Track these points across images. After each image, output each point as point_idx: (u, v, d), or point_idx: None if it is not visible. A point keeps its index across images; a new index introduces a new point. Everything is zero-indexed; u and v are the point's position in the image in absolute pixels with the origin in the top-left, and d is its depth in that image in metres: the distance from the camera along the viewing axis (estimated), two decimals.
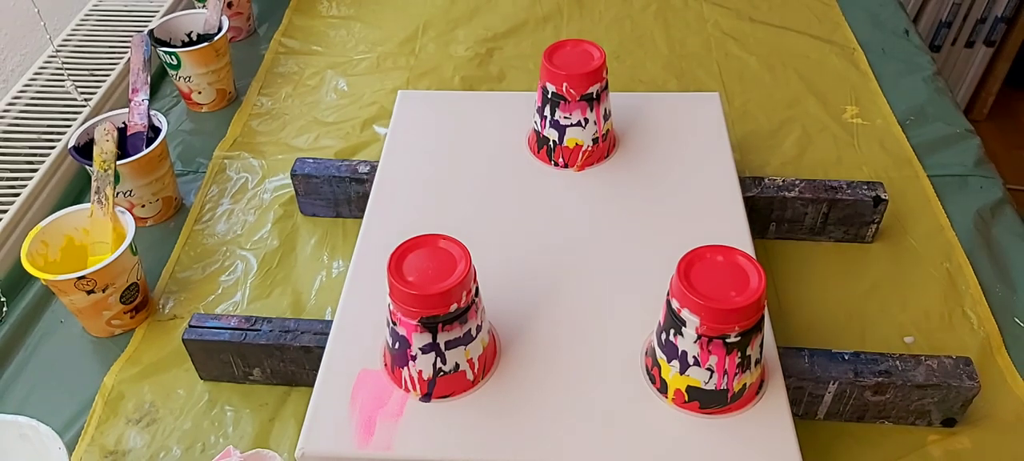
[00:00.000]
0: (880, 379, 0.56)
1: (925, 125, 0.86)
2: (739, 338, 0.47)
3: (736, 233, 0.62)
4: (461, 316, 0.49)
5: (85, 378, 0.65)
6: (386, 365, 0.53)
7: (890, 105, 0.89)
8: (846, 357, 0.57)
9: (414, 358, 0.50)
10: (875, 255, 0.72)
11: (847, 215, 0.71)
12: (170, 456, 0.59)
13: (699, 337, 0.47)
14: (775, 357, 0.53)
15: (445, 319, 0.48)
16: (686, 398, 0.50)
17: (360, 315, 0.57)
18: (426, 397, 0.51)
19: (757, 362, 0.49)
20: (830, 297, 0.68)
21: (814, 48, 0.99)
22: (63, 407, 0.63)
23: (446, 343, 0.49)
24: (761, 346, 0.49)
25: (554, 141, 0.67)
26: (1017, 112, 1.96)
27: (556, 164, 0.68)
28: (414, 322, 0.48)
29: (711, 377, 0.48)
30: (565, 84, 0.64)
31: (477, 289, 0.50)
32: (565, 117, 0.65)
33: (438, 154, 0.70)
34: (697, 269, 0.48)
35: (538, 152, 0.69)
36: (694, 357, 0.48)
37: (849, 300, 0.68)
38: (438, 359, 0.49)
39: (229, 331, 0.61)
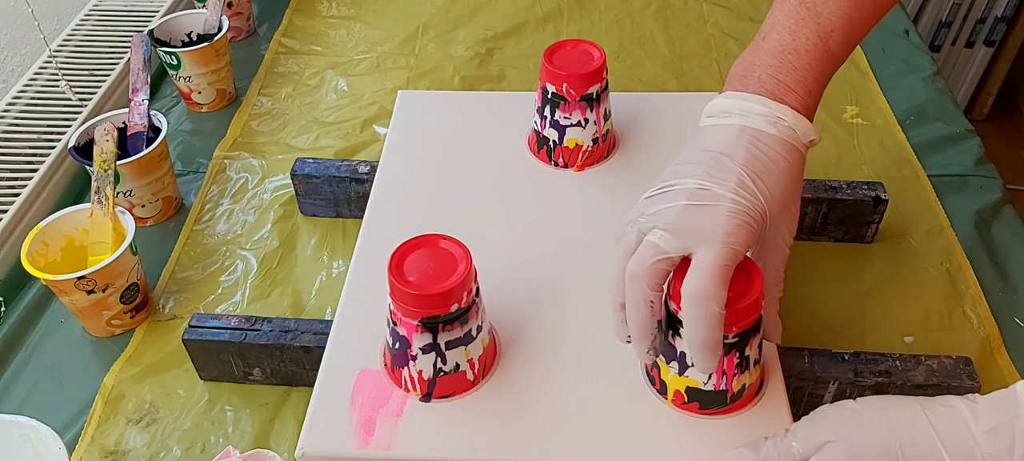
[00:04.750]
0: (880, 379, 0.56)
1: (925, 125, 0.86)
2: (737, 339, 0.47)
3: None
4: (462, 316, 0.49)
5: (85, 378, 0.65)
6: (386, 365, 0.53)
7: (890, 105, 0.89)
8: (846, 357, 0.57)
9: (414, 358, 0.50)
10: (875, 255, 0.72)
11: (847, 215, 0.71)
12: (170, 456, 0.59)
13: None
14: (775, 357, 0.53)
15: (446, 319, 0.48)
16: (686, 399, 0.50)
17: (360, 315, 0.57)
18: (426, 397, 0.51)
19: (756, 362, 0.49)
20: (830, 297, 0.68)
21: None
22: (63, 407, 0.63)
23: (447, 343, 0.49)
24: (760, 347, 0.49)
25: (554, 141, 0.67)
26: (1017, 112, 1.96)
27: (556, 164, 0.68)
28: (415, 322, 0.48)
29: (710, 378, 0.48)
30: (565, 84, 0.64)
31: (478, 289, 0.50)
32: (565, 117, 0.65)
33: (438, 154, 0.70)
34: None
35: (538, 152, 0.69)
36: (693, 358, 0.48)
37: (849, 300, 0.68)
38: (438, 359, 0.49)
39: (229, 331, 0.61)
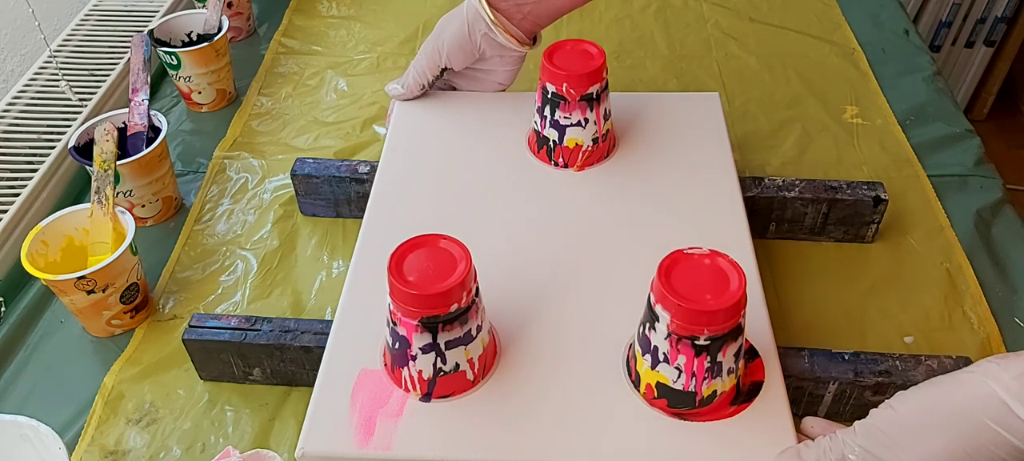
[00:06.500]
0: (880, 379, 0.56)
1: (925, 125, 0.86)
2: (709, 342, 0.47)
3: (736, 233, 0.62)
4: (461, 316, 0.49)
5: (85, 378, 0.65)
6: (386, 365, 0.53)
7: (890, 105, 0.89)
8: (846, 357, 0.57)
9: (414, 358, 0.50)
10: (875, 255, 0.72)
11: (847, 215, 0.71)
12: (170, 456, 0.59)
13: (669, 334, 0.47)
14: (775, 357, 0.53)
15: (445, 319, 0.48)
16: (655, 394, 0.50)
17: (360, 315, 0.57)
18: (426, 397, 0.51)
19: (730, 371, 0.49)
20: (830, 297, 0.68)
21: (814, 48, 0.99)
22: (63, 407, 0.63)
23: (446, 343, 0.49)
24: (737, 356, 0.49)
25: (554, 141, 0.67)
26: (1017, 112, 1.96)
27: (556, 164, 0.68)
28: (414, 322, 0.48)
29: (679, 377, 0.48)
30: (565, 84, 0.64)
31: (477, 289, 0.50)
32: (565, 117, 0.65)
33: (438, 154, 0.70)
34: (681, 267, 0.48)
35: (538, 152, 0.69)
36: (664, 354, 0.48)
37: (849, 300, 0.68)
38: (438, 359, 0.49)
39: (229, 331, 0.61)
